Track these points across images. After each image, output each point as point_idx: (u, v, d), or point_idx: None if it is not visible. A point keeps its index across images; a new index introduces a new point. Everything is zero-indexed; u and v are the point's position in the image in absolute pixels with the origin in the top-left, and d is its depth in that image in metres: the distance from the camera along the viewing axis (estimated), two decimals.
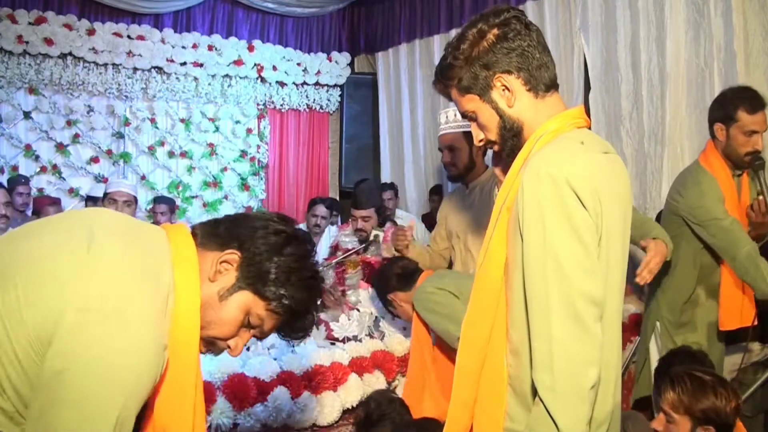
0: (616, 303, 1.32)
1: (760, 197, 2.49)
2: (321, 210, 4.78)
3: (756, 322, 2.62)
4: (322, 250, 4.93)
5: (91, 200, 4.80)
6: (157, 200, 5.27)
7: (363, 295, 2.96)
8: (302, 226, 4.90)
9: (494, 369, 1.32)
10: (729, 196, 2.53)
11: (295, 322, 1.28)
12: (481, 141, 1.40)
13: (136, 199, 3.95)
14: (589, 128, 1.39)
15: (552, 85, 1.34)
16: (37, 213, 4.27)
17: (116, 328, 1.03)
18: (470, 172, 2.74)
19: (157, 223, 5.24)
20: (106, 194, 3.79)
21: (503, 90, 1.31)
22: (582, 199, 1.20)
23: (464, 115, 1.41)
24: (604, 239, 1.24)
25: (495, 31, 1.30)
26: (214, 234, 1.25)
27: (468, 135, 2.44)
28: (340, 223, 5.86)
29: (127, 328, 1.04)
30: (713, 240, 2.51)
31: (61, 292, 1.04)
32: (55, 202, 4.35)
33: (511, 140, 1.35)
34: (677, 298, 2.69)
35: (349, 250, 3.37)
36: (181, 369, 1.16)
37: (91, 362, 1.01)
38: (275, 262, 1.22)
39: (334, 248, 3.53)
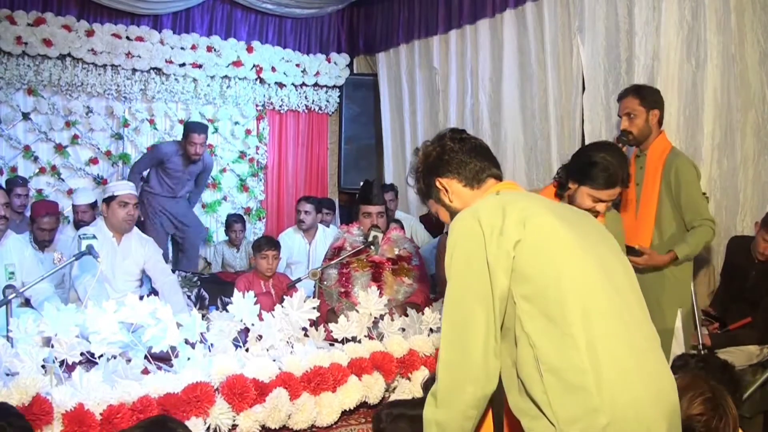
0: (582, 303, 1.40)
1: None
2: (304, 206, 5.13)
3: None
4: (317, 247, 5.06)
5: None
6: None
7: (371, 294, 2.88)
8: (295, 227, 5.26)
9: None
10: None
11: None
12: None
13: None
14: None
15: (489, 177, 1.68)
16: (33, 220, 4.09)
17: None
18: None
19: None
20: (113, 196, 3.56)
21: (444, 190, 1.68)
22: (481, 222, 1.45)
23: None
24: (530, 247, 1.42)
25: (436, 149, 1.70)
26: None
27: None
28: (339, 223, 5.85)
29: None
30: None
31: None
32: (52, 212, 4.21)
33: None
34: None
35: (354, 249, 3.35)
36: None
37: None
38: None
39: (339, 248, 3.48)
